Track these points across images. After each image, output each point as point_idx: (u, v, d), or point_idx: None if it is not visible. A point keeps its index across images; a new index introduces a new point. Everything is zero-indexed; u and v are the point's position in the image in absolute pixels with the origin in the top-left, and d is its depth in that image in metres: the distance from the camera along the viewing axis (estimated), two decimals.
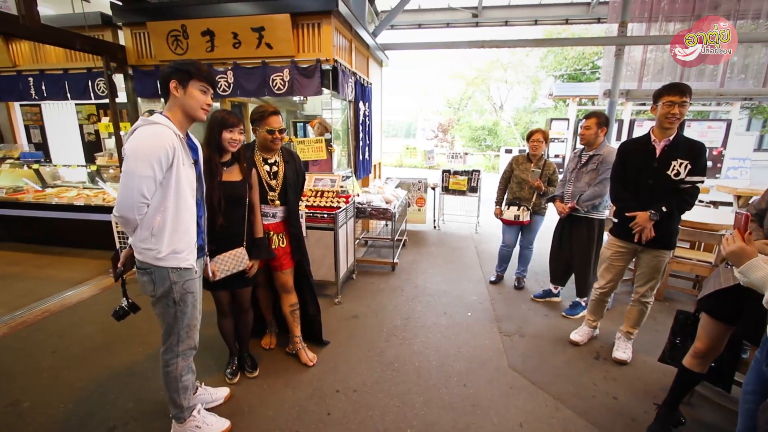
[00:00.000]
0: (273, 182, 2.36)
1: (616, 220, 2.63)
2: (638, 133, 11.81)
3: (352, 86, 4.41)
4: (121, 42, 4.26)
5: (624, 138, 12.05)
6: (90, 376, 2.46)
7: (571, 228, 3.28)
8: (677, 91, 2.22)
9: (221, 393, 2.24)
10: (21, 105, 5.90)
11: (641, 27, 6.52)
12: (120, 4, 4.00)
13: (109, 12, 4.10)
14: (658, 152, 2.37)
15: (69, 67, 4.33)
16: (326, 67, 3.77)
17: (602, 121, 2.99)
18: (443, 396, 2.31)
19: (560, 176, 3.49)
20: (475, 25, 8.41)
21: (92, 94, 4.34)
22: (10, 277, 4.04)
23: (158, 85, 1.70)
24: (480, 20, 8.22)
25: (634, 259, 2.67)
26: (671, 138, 2.34)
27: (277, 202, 2.39)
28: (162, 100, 1.72)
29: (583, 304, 3.34)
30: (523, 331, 3.07)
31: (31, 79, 4.46)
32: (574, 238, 3.26)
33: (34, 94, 4.49)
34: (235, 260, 2.13)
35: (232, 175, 2.12)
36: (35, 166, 4.99)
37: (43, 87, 4.44)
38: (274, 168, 2.37)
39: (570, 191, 3.19)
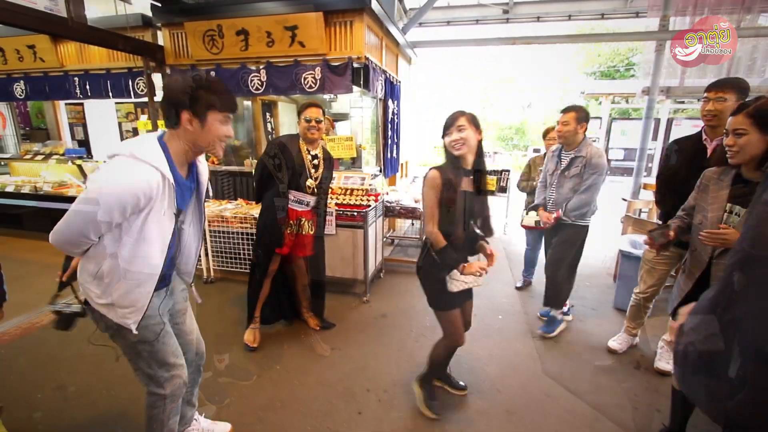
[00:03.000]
0: (315, 173, 2.54)
1: (660, 223, 2.49)
2: (676, 132, 11.28)
3: (381, 84, 4.38)
4: (160, 42, 4.40)
5: (660, 137, 11.53)
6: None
7: (555, 233, 2.94)
8: (713, 86, 2.16)
9: (221, 428, 1.97)
10: (66, 104, 6.23)
11: (684, 20, 6.19)
12: (159, 5, 4.13)
13: (149, 13, 4.24)
14: (709, 151, 2.24)
15: (111, 67, 4.51)
16: (357, 65, 3.76)
17: (582, 116, 2.71)
18: (476, 401, 2.25)
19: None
20: (505, 21, 8.22)
21: (132, 93, 4.50)
22: (54, 267, 4.25)
23: (163, 104, 1.35)
24: (511, 17, 8.03)
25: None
26: None
27: (314, 191, 2.59)
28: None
29: (559, 317, 3.02)
30: (558, 337, 2.97)
31: (76, 78, 4.67)
32: (555, 240, 2.94)
33: (78, 93, 4.70)
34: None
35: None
36: (78, 161, 5.23)
37: (87, 86, 4.64)
38: (315, 161, 2.55)
39: (553, 198, 2.90)
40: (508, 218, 6.10)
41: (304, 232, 2.61)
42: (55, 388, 2.31)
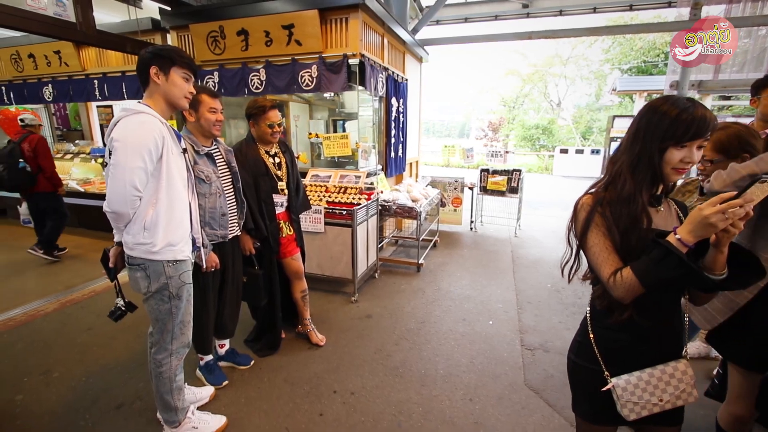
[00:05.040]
0: (279, 172, 2.48)
1: None
2: None
3: (383, 82, 4.32)
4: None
5: None
6: (114, 354, 2.63)
7: None
8: None
9: (206, 392, 2.20)
10: (97, 106, 6.60)
11: (720, 9, 5.71)
12: (168, 9, 4.28)
13: (159, 17, 4.40)
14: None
15: (126, 70, 4.72)
16: (353, 61, 3.72)
17: None
18: (444, 409, 2.15)
19: None
20: (525, 16, 7.93)
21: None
22: (72, 258, 4.51)
23: (137, 70, 1.62)
24: (531, 11, 7.74)
25: None
26: None
27: (286, 191, 2.51)
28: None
29: None
30: (549, 346, 2.79)
31: (96, 81, 4.93)
32: None
33: (98, 95, 4.96)
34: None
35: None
36: (100, 160, 5.53)
37: (106, 88, 4.88)
38: (277, 159, 2.50)
39: None
40: (521, 221, 5.87)
41: (283, 235, 2.54)
42: (41, 373, 2.43)
